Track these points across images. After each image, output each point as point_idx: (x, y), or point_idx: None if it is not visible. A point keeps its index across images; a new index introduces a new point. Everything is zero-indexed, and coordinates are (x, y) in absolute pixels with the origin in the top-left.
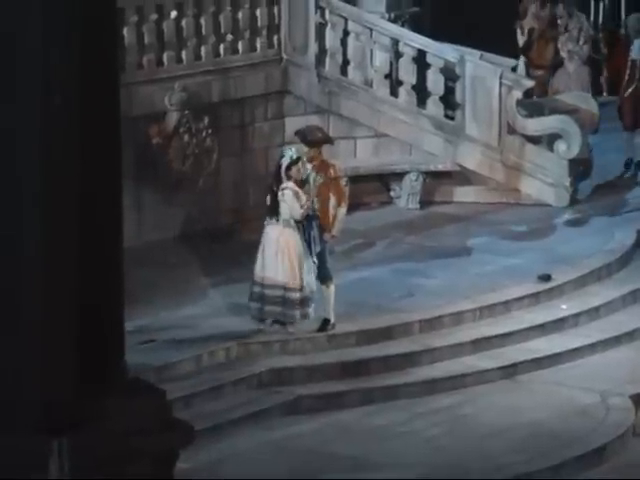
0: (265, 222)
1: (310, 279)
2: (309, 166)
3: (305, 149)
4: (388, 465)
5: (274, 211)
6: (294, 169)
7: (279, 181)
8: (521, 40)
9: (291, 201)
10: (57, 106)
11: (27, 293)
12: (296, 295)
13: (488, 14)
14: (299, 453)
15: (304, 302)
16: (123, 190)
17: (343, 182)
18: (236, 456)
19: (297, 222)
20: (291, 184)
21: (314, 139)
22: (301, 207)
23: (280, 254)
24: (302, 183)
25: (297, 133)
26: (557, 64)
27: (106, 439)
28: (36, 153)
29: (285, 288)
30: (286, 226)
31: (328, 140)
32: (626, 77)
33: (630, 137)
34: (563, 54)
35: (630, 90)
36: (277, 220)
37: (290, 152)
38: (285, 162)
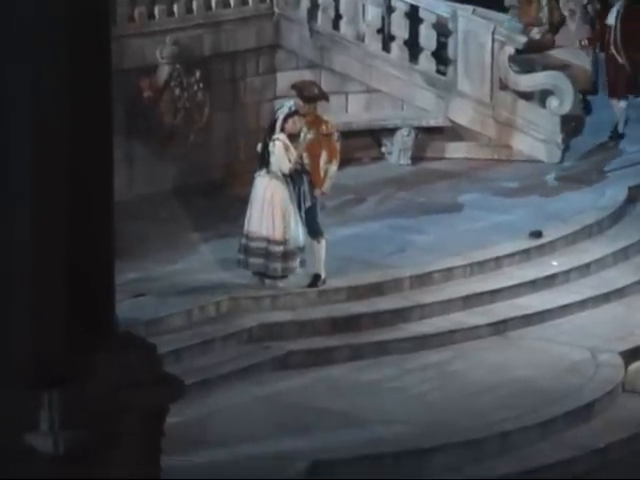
0: (255, 174)
1: (296, 233)
2: (302, 121)
3: (300, 104)
4: (377, 421)
5: (264, 161)
6: (290, 121)
7: (272, 132)
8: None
9: (280, 153)
10: (46, 59)
11: (17, 249)
12: (279, 248)
13: None
14: (288, 408)
15: (287, 256)
16: (114, 143)
17: (335, 138)
18: (225, 411)
19: (287, 176)
20: (283, 136)
21: (310, 95)
22: (290, 161)
23: (265, 207)
24: (295, 137)
25: (293, 87)
26: (560, 23)
27: (96, 393)
28: (26, 108)
29: (268, 240)
30: (273, 178)
31: (324, 96)
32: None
33: (616, 104)
34: (565, 13)
35: (607, 56)
36: (266, 171)
37: (289, 103)
38: (283, 113)
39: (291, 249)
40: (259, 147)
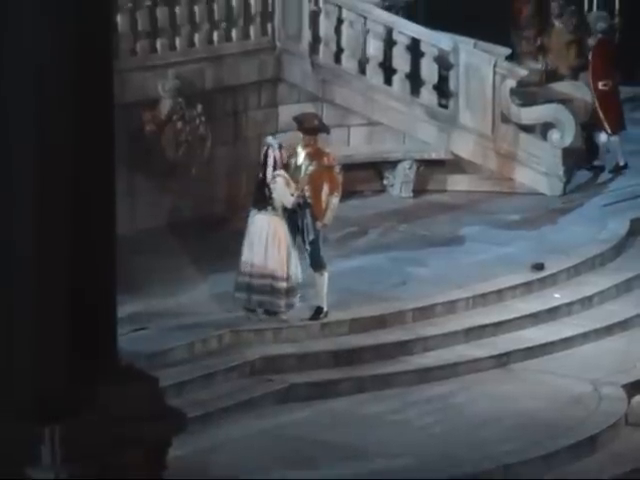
0: (249, 211)
1: (297, 269)
2: (303, 153)
3: (301, 136)
4: (380, 454)
5: (264, 199)
6: (282, 153)
7: (266, 169)
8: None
9: (282, 189)
10: (50, 93)
11: (19, 281)
12: (283, 284)
13: (483, 2)
14: (291, 441)
15: (289, 292)
16: (116, 177)
17: (337, 170)
18: (228, 444)
19: (286, 211)
20: (282, 172)
21: (311, 127)
22: (292, 195)
23: (270, 243)
24: (286, 168)
25: (294, 119)
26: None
27: (98, 426)
28: (30, 140)
29: (273, 277)
30: (274, 214)
31: (325, 129)
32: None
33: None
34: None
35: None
36: (266, 209)
37: (273, 139)
38: (275, 149)
39: (293, 285)
40: (255, 189)
